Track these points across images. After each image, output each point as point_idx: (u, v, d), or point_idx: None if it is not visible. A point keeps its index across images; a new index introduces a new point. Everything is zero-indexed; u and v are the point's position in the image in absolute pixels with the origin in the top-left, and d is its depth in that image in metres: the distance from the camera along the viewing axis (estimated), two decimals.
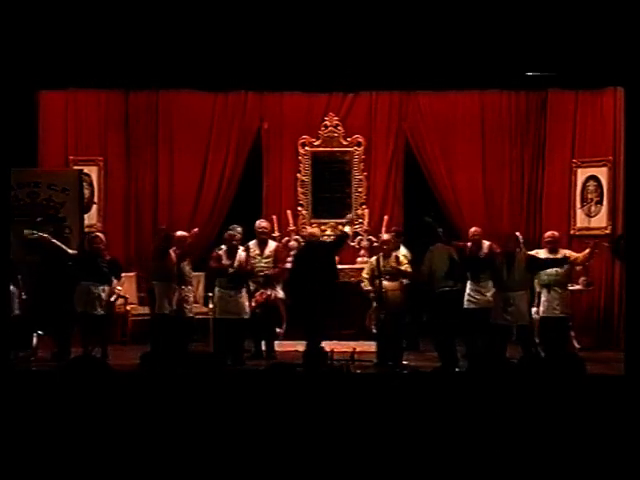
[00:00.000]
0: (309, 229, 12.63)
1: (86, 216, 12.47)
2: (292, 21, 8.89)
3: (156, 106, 13.28)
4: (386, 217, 13.01)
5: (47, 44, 8.99)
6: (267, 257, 11.63)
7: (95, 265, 10.98)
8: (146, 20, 8.95)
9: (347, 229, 12.03)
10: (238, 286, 11.07)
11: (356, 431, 4.92)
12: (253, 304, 11.30)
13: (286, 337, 11.96)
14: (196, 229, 11.69)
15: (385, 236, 11.45)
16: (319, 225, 13.53)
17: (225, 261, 11.09)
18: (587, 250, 11.40)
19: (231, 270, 11.03)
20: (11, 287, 10.40)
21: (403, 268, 10.99)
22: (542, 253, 11.35)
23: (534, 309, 11.83)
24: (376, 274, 11.04)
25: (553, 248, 11.29)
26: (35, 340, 11.06)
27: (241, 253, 11.19)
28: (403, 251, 11.30)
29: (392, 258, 11.02)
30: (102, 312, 11.05)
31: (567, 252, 11.40)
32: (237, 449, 4.81)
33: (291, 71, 9.49)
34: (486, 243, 11.40)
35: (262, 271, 11.57)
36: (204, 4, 8.94)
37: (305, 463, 4.75)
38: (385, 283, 10.96)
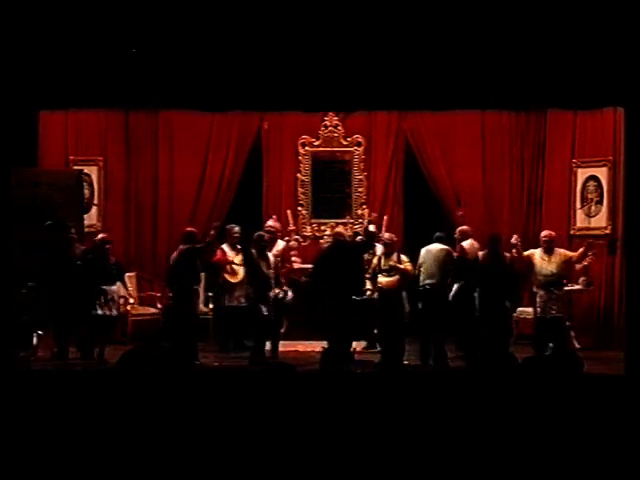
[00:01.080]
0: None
1: (86, 216, 12.46)
2: (292, 42, 8.94)
3: (156, 117, 13.30)
4: (386, 217, 13.01)
5: (47, 65, 9.04)
6: (275, 256, 11.58)
7: (108, 267, 11.10)
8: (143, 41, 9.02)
9: (371, 228, 11.94)
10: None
11: (358, 430, 4.93)
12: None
13: (286, 337, 11.99)
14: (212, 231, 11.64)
15: (386, 235, 11.45)
16: (319, 225, 13.55)
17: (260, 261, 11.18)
18: (581, 250, 11.49)
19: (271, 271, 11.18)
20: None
21: (402, 267, 11.01)
22: (538, 252, 11.38)
23: (530, 309, 11.93)
24: (377, 272, 11.07)
25: (549, 247, 11.33)
26: (35, 340, 11.06)
27: (271, 255, 11.35)
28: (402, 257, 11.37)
29: (393, 257, 11.05)
30: (116, 313, 11.25)
31: (562, 251, 11.46)
32: (238, 448, 4.81)
33: (290, 92, 9.50)
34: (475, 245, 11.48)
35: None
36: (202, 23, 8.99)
37: (305, 463, 4.75)
38: (381, 279, 10.99)
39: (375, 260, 11.16)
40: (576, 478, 4.69)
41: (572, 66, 9.05)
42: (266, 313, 11.06)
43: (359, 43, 8.94)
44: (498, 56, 9.04)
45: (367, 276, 11.20)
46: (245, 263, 11.34)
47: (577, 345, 11.88)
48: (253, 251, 11.17)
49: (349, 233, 12.62)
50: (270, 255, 11.32)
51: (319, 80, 9.16)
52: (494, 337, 10.64)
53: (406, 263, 11.07)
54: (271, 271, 11.18)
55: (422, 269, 10.97)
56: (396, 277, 10.98)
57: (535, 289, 11.44)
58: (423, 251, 11.04)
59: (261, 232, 11.52)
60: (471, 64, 9.09)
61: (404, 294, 11.07)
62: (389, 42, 9.02)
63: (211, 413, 5.10)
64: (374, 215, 12.60)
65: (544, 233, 11.56)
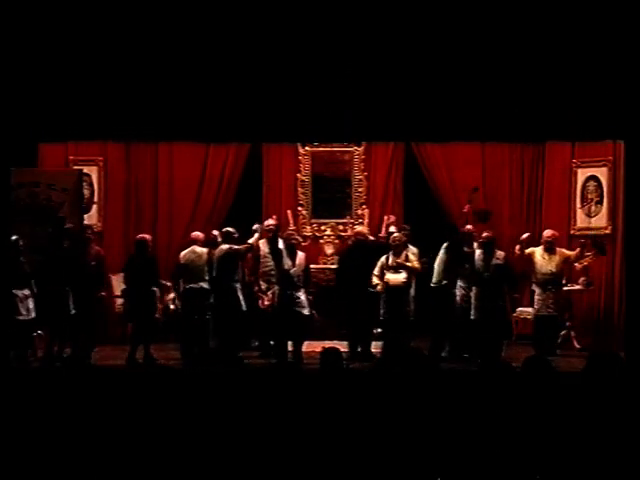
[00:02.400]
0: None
1: (86, 216, 12.45)
2: (291, 72, 8.98)
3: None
4: (386, 217, 12.99)
5: (46, 98, 9.09)
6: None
7: (154, 268, 11.28)
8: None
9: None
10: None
11: (360, 429, 4.93)
12: (266, 302, 11.32)
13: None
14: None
15: (395, 235, 11.45)
16: (319, 225, 13.55)
17: (286, 260, 11.25)
18: (578, 249, 11.53)
19: (294, 269, 11.21)
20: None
21: (410, 265, 11.07)
22: (538, 251, 11.42)
23: (530, 309, 11.96)
24: (384, 269, 11.13)
25: (551, 247, 11.37)
26: (35, 340, 11.05)
27: (300, 253, 11.42)
28: (412, 249, 11.42)
29: (402, 256, 11.12)
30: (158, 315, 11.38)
31: (561, 250, 11.52)
32: (239, 447, 4.81)
33: (289, 124, 9.55)
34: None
35: (273, 270, 11.53)
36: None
37: (306, 462, 4.75)
38: (389, 276, 11.04)
39: (383, 258, 11.19)
40: (576, 477, 4.69)
41: (572, 100, 9.08)
42: (306, 312, 11.17)
43: (359, 74, 8.98)
44: (498, 88, 9.09)
45: (375, 273, 11.21)
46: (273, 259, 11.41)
47: (577, 345, 11.88)
48: (281, 247, 11.31)
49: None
50: (300, 254, 11.41)
51: (317, 111, 9.20)
52: (490, 338, 10.69)
53: (414, 261, 11.13)
54: (295, 269, 11.22)
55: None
56: (403, 275, 11.03)
57: (534, 287, 11.49)
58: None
59: (290, 231, 11.85)
60: (471, 95, 9.12)
61: (411, 292, 11.13)
62: (389, 74, 9.07)
63: (213, 412, 5.11)
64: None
65: (548, 233, 11.59)
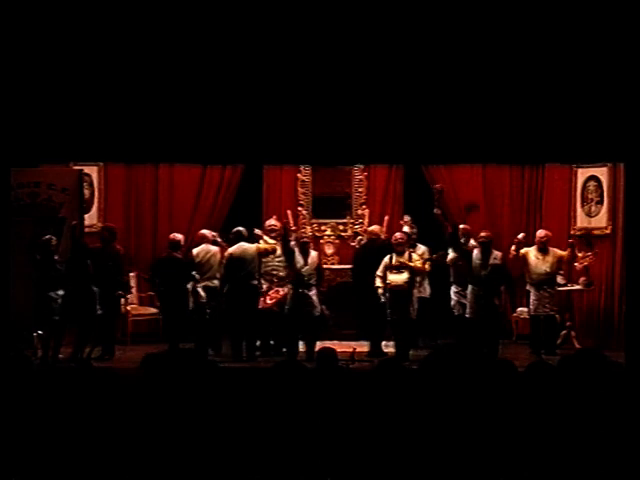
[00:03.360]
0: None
1: (86, 216, 12.44)
2: (290, 96, 9.03)
3: None
4: (386, 217, 13.00)
5: (45, 119, 9.13)
6: (279, 256, 11.61)
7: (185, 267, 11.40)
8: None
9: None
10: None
11: (362, 428, 4.93)
12: (268, 301, 11.36)
13: None
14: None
15: (397, 234, 11.48)
16: (319, 225, 13.54)
17: (299, 258, 11.35)
18: (568, 249, 11.61)
19: (306, 268, 11.32)
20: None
21: (412, 264, 11.10)
22: (532, 251, 11.48)
23: (524, 308, 11.99)
24: (387, 269, 11.21)
25: (544, 247, 11.45)
26: (35, 340, 11.04)
27: (313, 252, 11.57)
28: (422, 248, 11.44)
29: (405, 255, 11.15)
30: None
31: (554, 250, 11.56)
32: (241, 446, 4.81)
33: (289, 148, 9.61)
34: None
35: (275, 269, 11.57)
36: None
37: (307, 462, 4.75)
38: (391, 277, 11.10)
39: (387, 258, 11.22)
40: (576, 477, 4.69)
41: (572, 123, 9.14)
42: (318, 312, 11.29)
43: (358, 96, 9.04)
44: (498, 110, 9.14)
45: (378, 274, 11.27)
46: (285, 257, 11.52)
47: (577, 345, 11.89)
48: (292, 243, 11.48)
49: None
50: (313, 253, 11.53)
51: (317, 134, 9.26)
52: (485, 336, 10.75)
53: (417, 261, 11.16)
54: (307, 268, 11.33)
55: None
56: (405, 275, 11.04)
57: (528, 287, 11.53)
58: None
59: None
60: (470, 118, 9.18)
61: (414, 292, 11.16)
62: (389, 96, 9.13)
63: (215, 410, 5.11)
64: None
65: (541, 233, 11.68)
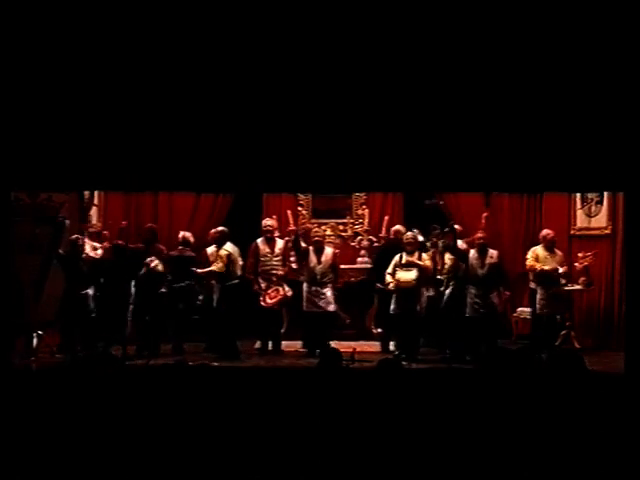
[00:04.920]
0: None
1: None
2: (287, 126, 9.09)
3: None
4: (386, 217, 13.01)
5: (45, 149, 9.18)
6: (277, 255, 11.67)
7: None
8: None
9: (415, 231, 11.99)
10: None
11: (363, 428, 4.93)
12: (269, 301, 11.41)
13: (287, 337, 12.02)
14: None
15: (408, 234, 11.51)
16: (319, 225, 13.54)
17: (312, 257, 11.55)
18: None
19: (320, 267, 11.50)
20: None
21: (422, 263, 11.20)
22: (539, 249, 11.50)
23: (524, 309, 12.00)
24: (396, 267, 11.31)
25: (550, 246, 11.48)
26: (35, 340, 11.05)
27: (328, 250, 11.74)
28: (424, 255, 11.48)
29: (415, 254, 11.26)
30: None
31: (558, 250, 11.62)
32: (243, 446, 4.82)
33: (289, 176, 9.68)
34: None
35: (274, 269, 11.60)
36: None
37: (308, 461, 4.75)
38: (400, 274, 11.21)
39: (397, 257, 11.33)
40: (576, 477, 4.69)
41: (571, 152, 9.20)
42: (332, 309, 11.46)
43: (356, 126, 9.10)
44: (497, 139, 9.21)
45: (388, 272, 11.37)
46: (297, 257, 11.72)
47: (577, 345, 11.89)
48: (303, 245, 11.64)
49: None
50: (327, 251, 11.68)
51: (314, 162, 9.32)
52: (485, 335, 10.76)
53: (426, 260, 11.21)
54: (320, 267, 11.51)
55: None
56: (414, 273, 11.10)
57: (534, 286, 11.55)
58: None
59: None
60: (468, 147, 9.24)
61: (423, 290, 11.19)
62: (387, 127, 9.19)
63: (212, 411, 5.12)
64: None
65: (549, 232, 11.66)
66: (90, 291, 11.03)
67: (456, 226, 11.69)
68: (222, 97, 8.99)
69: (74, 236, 10.98)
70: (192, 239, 11.76)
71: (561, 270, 11.50)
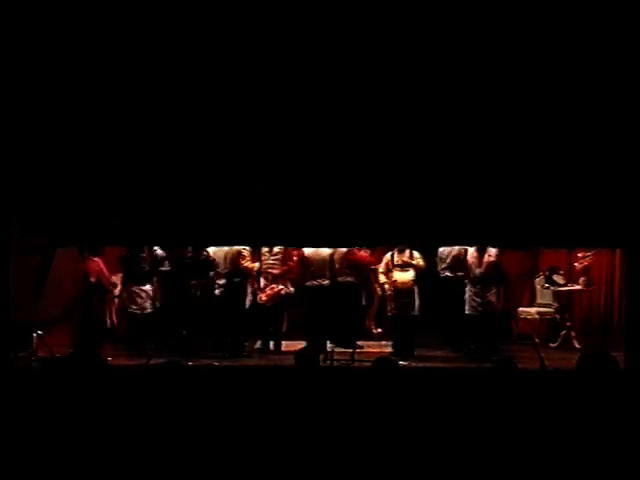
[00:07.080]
0: None
1: None
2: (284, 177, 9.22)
3: None
4: None
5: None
6: (275, 254, 11.69)
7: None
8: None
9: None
10: None
11: (363, 427, 4.94)
12: (264, 298, 11.46)
13: (287, 336, 12.03)
14: None
15: None
16: None
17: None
18: None
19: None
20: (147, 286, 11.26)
21: (415, 262, 11.22)
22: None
23: (529, 309, 12.01)
24: (390, 267, 11.34)
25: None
26: (35, 340, 11.03)
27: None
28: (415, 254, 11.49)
29: (406, 253, 11.26)
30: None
31: None
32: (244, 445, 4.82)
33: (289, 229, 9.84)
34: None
35: (271, 268, 11.64)
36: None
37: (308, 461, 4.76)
38: (396, 275, 11.24)
39: (388, 256, 11.35)
40: (576, 477, 4.69)
41: (571, 210, 9.28)
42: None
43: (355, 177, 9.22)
44: (497, 196, 9.31)
45: (380, 271, 11.43)
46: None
47: (577, 345, 11.89)
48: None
49: None
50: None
51: (309, 218, 9.47)
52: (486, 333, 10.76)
53: (418, 259, 11.26)
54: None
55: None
56: (411, 273, 11.18)
57: (538, 287, 11.61)
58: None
59: None
60: (465, 203, 9.36)
61: (416, 289, 11.19)
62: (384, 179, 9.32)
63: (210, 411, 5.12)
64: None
65: None
66: (146, 287, 11.30)
67: None
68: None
69: None
70: None
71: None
